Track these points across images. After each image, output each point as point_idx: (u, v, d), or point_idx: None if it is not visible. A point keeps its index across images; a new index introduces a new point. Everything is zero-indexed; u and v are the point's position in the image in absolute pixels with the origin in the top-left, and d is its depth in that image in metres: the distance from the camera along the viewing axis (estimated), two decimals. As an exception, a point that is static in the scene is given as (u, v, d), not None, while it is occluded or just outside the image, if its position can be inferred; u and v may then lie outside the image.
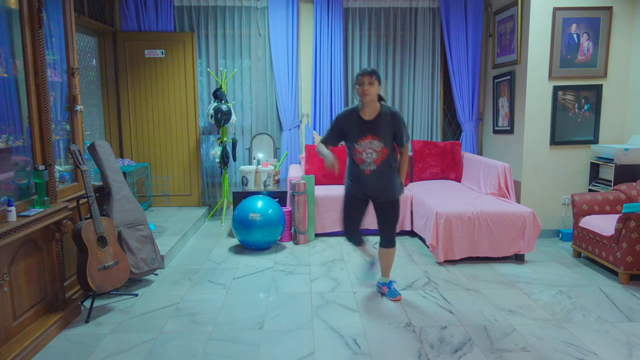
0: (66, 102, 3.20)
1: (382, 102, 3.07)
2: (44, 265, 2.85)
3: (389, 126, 3.03)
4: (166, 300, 3.28)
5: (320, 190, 4.80)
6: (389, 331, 2.83)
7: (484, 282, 3.62)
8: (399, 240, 4.69)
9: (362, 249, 3.43)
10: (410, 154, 5.46)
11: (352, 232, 3.28)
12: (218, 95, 5.17)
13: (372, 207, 3.24)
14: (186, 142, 5.53)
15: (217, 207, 5.62)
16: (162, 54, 5.38)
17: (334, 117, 3.18)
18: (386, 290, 3.34)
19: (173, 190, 5.61)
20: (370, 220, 4.70)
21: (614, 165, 4.29)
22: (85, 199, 3.09)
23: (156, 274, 3.75)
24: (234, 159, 5.38)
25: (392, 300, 3.28)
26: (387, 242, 3.27)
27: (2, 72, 2.60)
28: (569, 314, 3.06)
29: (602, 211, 4.07)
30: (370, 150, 3.03)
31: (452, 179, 5.29)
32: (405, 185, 5.20)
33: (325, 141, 3.18)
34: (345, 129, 3.09)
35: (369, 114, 3.04)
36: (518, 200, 4.73)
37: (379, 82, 3.00)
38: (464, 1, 5.44)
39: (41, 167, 2.74)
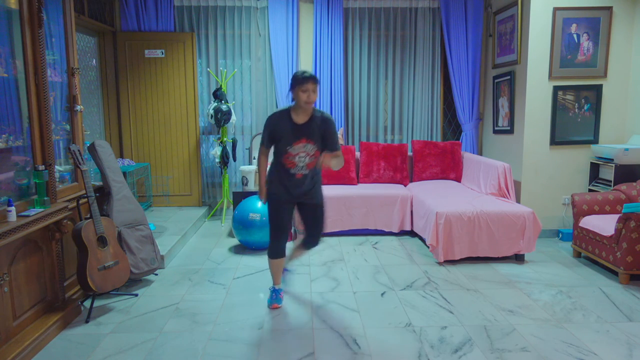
0: (66, 102, 3.20)
1: (313, 106, 2.99)
2: (44, 265, 2.85)
3: (319, 130, 2.96)
4: (166, 300, 3.28)
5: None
6: (389, 331, 2.83)
7: (484, 282, 3.62)
8: (399, 240, 4.71)
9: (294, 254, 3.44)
10: (410, 153, 5.47)
11: (281, 239, 3.13)
12: (218, 95, 5.17)
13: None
14: (186, 142, 5.53)
15: (217, 207, 5.62)
16: (162, 54, 5.38)
17: (265, 121, 3.03)
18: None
19: (173, 190, 5.61)
20: (366, 221, 4.76)
21: (614, 165, 4.29)
22: (85, 199, 3.09)
23: (156, 274, 3.75)
24: (234, 159, 5.38)
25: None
26: (312, 244, 3.22)
27: (2, 72, 2.60)
28: (569, 314, 3.06)
29: (602, 211, 4.07)
30: (303, 154, 2.95)
31: (452, 179, 5.29)
32: (405, 186, 5.22)
33: (264, 145, 3.08)
34: (278, 132, 2.96)
35: (302, 118, 2.95)
36: (518, 200, 4.73)
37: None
38: (464, 1, 5.44)
39: (41, 167, 2.74)
